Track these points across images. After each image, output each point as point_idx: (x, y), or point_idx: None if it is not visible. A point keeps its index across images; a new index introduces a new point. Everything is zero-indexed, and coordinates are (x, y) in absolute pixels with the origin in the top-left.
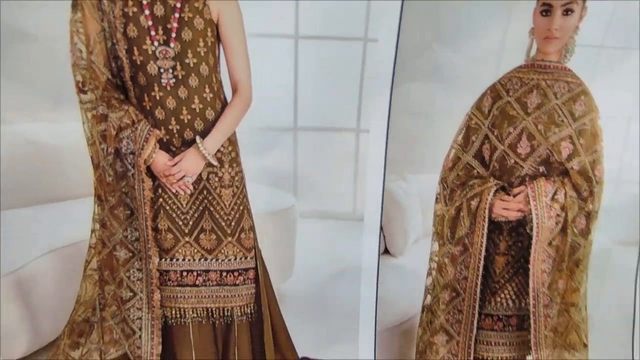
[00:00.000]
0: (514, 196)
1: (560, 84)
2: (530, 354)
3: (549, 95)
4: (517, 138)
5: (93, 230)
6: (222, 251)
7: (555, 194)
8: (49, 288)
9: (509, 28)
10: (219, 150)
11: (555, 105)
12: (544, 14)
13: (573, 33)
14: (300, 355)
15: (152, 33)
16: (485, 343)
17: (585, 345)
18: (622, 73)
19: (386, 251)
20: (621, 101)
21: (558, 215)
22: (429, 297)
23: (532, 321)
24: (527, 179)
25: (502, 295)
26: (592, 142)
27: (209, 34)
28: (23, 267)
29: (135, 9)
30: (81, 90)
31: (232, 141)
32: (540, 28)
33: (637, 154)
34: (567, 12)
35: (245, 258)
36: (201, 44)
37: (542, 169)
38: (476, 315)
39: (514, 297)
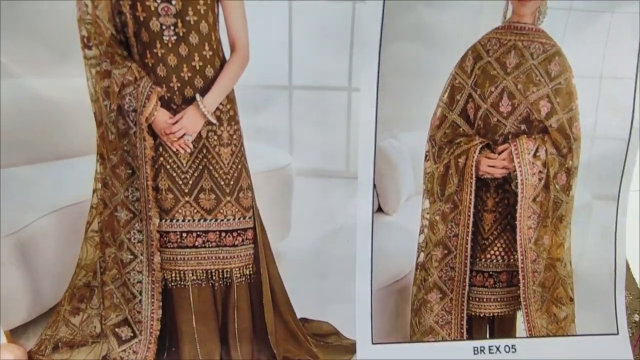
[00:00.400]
0: (499, 154)
1: (535, 44)
2: (520, 309)
3: (526, 55)
4: (498, 97)
5: (95, 190)
6: (221, 211)
7: (536, 151)
8: (50, 251)
9: None
10: (217, 109)
11: (532, 65)
12: None
13: None
14: (298, 316)
15: None
16: (477, 300)
17: (572, 300)
18: (590, 34)
19: (379, 209)
20: (592, 61)
21: (540, 172)
22: (422, 254)
23: (520, 277)
24: (509, 136)
25: (492, 252)
26: (567, 100)
27: None
28: (24, 229)
29: None
30: (86, 46)
31: (230, 99)
32: None
33: (609, 110)
34: None
35: (244, 218)
36: (201, 1)
37: (523, 127)
38: (468, 272)
39: (502, 253)
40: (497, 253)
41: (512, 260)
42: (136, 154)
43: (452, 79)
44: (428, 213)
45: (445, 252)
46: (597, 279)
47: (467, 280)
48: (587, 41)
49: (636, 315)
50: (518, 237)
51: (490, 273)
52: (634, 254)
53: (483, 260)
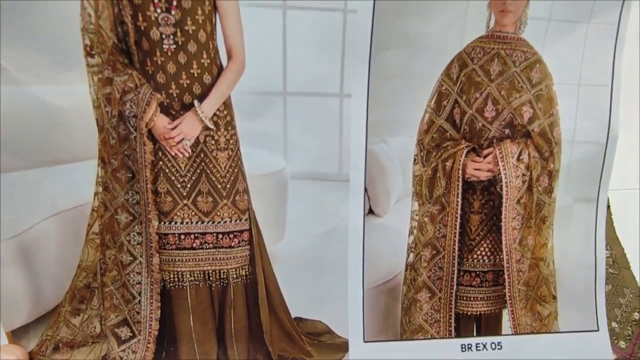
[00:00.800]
0: (484, 157)
1: (517, 53)
2: (505, 307)
3: (509, 63)
4: (483, 103)
5: (96, 194)
6: (218, 213)
7: (520, 154)
8: (51, 253)
9: (470, 1)
10: (215, 114)
11: (515, 73)
12: None
13: (525, 7)
14: (293, 315)
15: (156, 0)
16: (465, 299)
17: (555, 298)
18: (569, 44)
19: (370, 211)
20: (570, 69)
21: (524, 174)
22: (411, 255)
23: (506, 276)
24: (494, 141)
25: (479, 252)
26: (548, 106)
27: (207, 3)
28: (27, 231)
29: None
30: (89, 54)
31: (227, 105)
32: (496, 2)
33: (588, 116)
34: None
35: (240, 220)
36: (199, 12)
37: (507, 131)
38: (456, 272)
39: (489, 253)
40: (484, 253)
41: (497, 260)
42: (136, 158)
43: (439, 85)
44: (417, 215)
45: (434, 252)
46: (579, 277)
47: (454, 279)
48: (565, 50)
49: (636, 314)
50: (503, 238)
51: (477, 272)
52: (634, 253)
53: (470, 260)
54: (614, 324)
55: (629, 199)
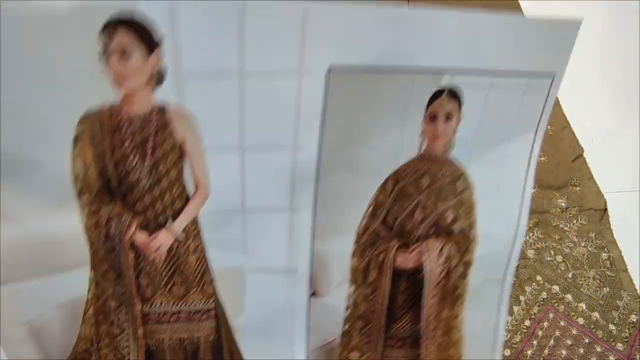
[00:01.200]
0: (411, 252)
1: (445, 169)
2: None
3: (437, 177)
4: (413, 209)
5: (89, 289)
6: (190, 298)
7: (441, 249)
8: (57, 331)
9: (405, 130)
10: (184, 229)
11: (442, 185)
12: (430, 120)
13: (453, 134)
14: None
15: (134, 153)
16: (389, 357)
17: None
18: (490, 161)
19: (314, 293)
20: (490, 181)
21: (443, 264)
22: (347, 325)
23: (422, 340)
24: (421, 238)
25: (402, 322)
26: (468, 211)
27: (176, 151)
28: (36, 318)
29: (120, 139)
30: (79, 195)
31: (194, 221)
32: (428, 130)
33: (500, 219)
34: (448, 119)
35: (207, 302)
36: (170, 157)
37: (432, 230)
38: (382, 338)
39: (411, 323)
40: (407, 323)
41: (417, 328)
42: (121, 263)
43: (375, 197)
44: (352, 295)
45: (365, 323)
46: (481, 344)
47: (381, 344)
48: (487, 166)
49: (633, 316)
50: (422, 312)
51: (400, 337)
52: (633, 254)
53: (395, 328)
54: (611, 327)
55: (628, 201)
